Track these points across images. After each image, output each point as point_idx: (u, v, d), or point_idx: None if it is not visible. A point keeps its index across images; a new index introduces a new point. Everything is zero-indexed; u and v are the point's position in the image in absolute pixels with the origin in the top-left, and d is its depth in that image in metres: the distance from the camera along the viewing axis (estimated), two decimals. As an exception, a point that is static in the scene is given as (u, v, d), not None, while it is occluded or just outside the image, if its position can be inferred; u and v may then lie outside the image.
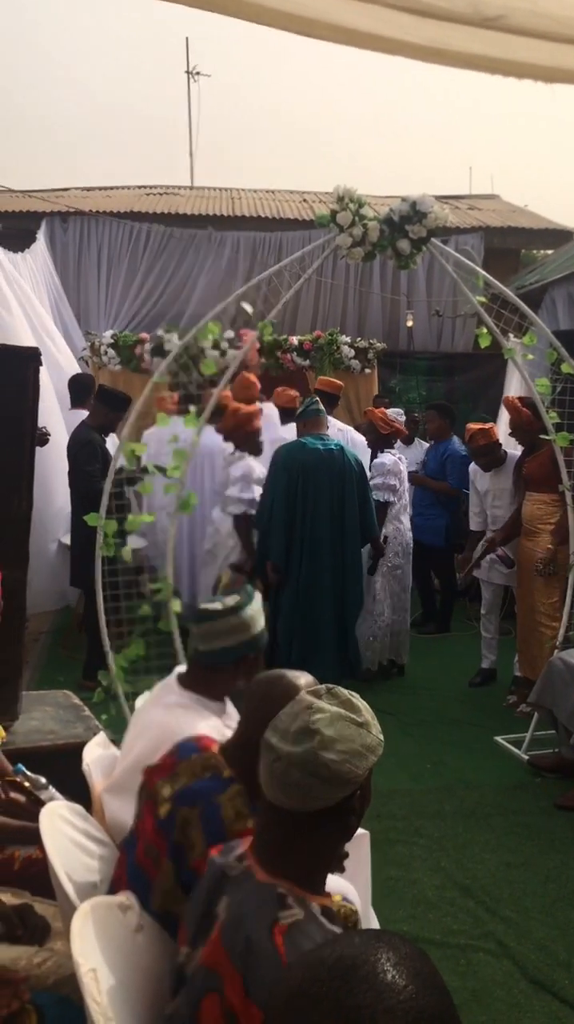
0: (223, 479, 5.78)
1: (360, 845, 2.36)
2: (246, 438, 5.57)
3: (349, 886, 1.91)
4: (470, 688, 5.85)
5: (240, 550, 5.66)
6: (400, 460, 6.09)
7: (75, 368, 8.31)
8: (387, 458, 5.94)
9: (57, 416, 6.39)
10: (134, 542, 4.90)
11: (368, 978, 0.94)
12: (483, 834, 3.96)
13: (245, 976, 1.37)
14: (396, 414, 6.26)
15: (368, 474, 5.65)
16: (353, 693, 1.56)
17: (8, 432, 3.44)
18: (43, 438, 5.25)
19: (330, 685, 1.58)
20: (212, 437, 5.92)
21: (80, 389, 6.65)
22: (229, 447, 6.17)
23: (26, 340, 6.04)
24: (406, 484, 6.18)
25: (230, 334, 7.44)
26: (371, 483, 5.70)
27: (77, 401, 6.60)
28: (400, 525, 6.01)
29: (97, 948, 1.69)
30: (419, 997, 0.94)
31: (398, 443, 6.33)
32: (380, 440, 5.99)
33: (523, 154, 51.05)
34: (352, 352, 8.05)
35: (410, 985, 0.94)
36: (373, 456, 6.09)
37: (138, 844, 1.99)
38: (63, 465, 5.70)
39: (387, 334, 9.45)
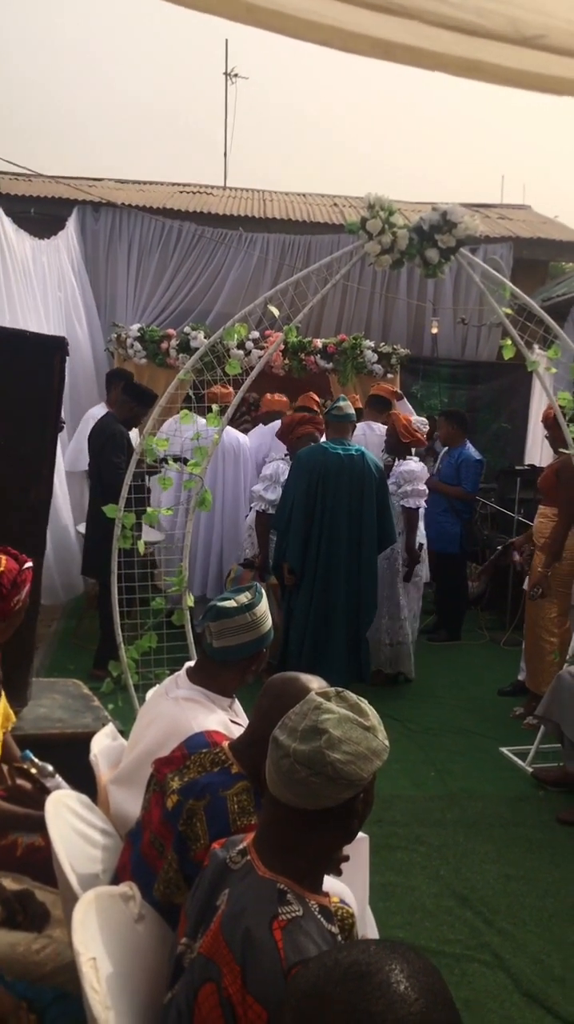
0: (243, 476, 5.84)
1: (360, 848, 2.36)
2: (292, 444, 5.66)
3: (346, 889, 1.93)
4: (480, 697, 5.83)
5: (254, 546, 5.70)
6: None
7: (89, 358, 8.34)
8: (415, 465, 5.93)
9: (65, 405, 6.38)
10: (149, 535, 4.93)
11: (382, 986, 0.97)
12: (484, 845, 3.96)
13: (244, 968, 1.39)
14: (420, 423, 6.20)
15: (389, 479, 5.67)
16: (361, 698, 1.58)
17: (32, 420, 3.47)
18: (59, 426, 5.26)
19: (339, 688, 1.60)
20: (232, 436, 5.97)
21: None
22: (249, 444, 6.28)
23: (39, 326, 6.07)
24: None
25: (255, 334, 7.46)
26: (401, 490, 5.72)
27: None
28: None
29: (98, 937, 1.71)
30: (429, 1011, 0.96)
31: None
32: (399, 447, 5.98)
33: (556, 165, 50.87)
34: (375, 357, 8.06)
35: (421, 999, 0.97)
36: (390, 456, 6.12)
37: (144, 834, 2.01)
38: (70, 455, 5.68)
39: (411, 340, 9.42)
